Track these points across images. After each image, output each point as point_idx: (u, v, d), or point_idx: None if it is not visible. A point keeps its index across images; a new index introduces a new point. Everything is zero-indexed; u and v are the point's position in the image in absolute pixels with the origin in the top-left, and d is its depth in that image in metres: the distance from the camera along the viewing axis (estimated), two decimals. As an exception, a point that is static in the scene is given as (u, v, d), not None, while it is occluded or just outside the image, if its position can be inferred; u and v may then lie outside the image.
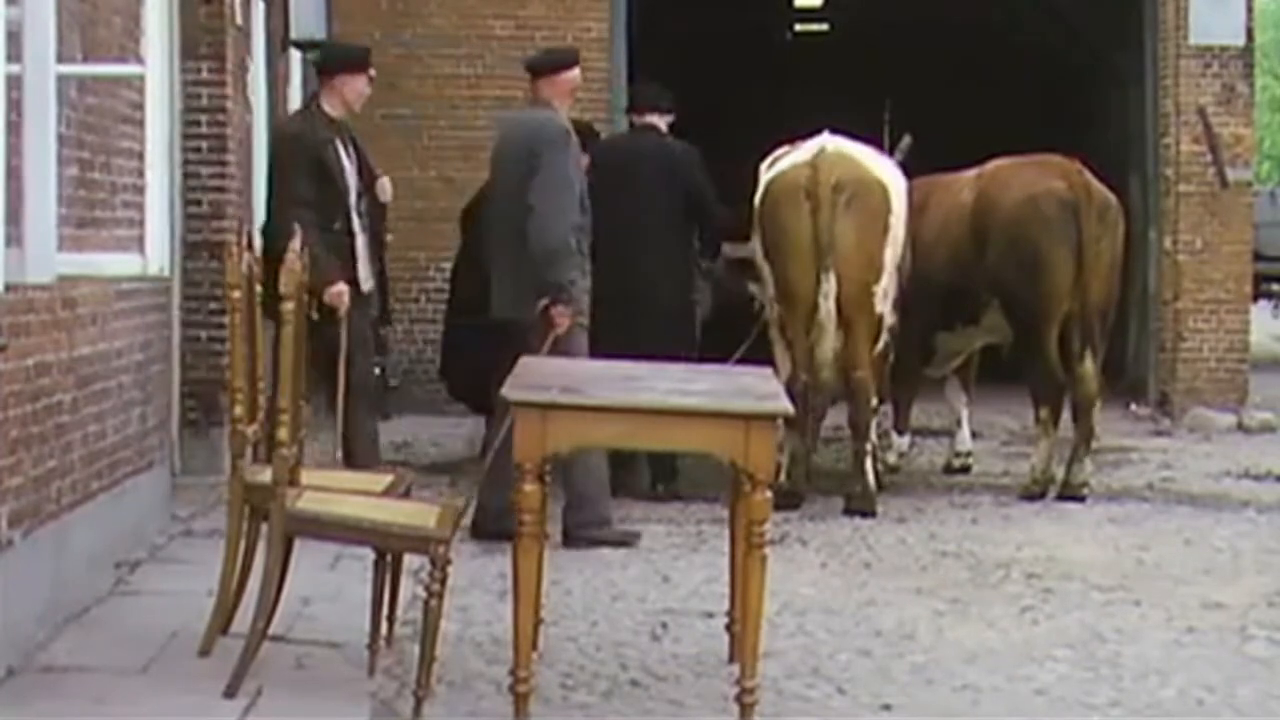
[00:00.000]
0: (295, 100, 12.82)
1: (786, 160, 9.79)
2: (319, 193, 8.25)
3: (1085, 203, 10.01)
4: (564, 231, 8.20)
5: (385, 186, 8.76)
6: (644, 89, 10.66)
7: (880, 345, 9.84)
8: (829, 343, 9.43)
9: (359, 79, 8.55)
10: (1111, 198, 10.28)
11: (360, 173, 8.57)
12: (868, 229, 9.50)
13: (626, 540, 8.46)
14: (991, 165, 10.60)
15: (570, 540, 8.32)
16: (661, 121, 10.08)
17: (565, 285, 8.15)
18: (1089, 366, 10.09)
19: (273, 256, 7.63)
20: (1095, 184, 10.18)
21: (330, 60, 8.72)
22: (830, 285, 9.37)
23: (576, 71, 8.73)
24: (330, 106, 8.51)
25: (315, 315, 7.64)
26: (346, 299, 8.13)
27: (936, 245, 10.33)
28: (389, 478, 6.44)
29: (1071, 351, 10.09)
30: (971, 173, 10.64)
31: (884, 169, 9.83)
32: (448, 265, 12.93)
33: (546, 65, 8.69)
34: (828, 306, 9.39)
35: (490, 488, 8.15)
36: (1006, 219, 10.12)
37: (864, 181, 9.55)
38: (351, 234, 8.41)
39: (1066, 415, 10.17)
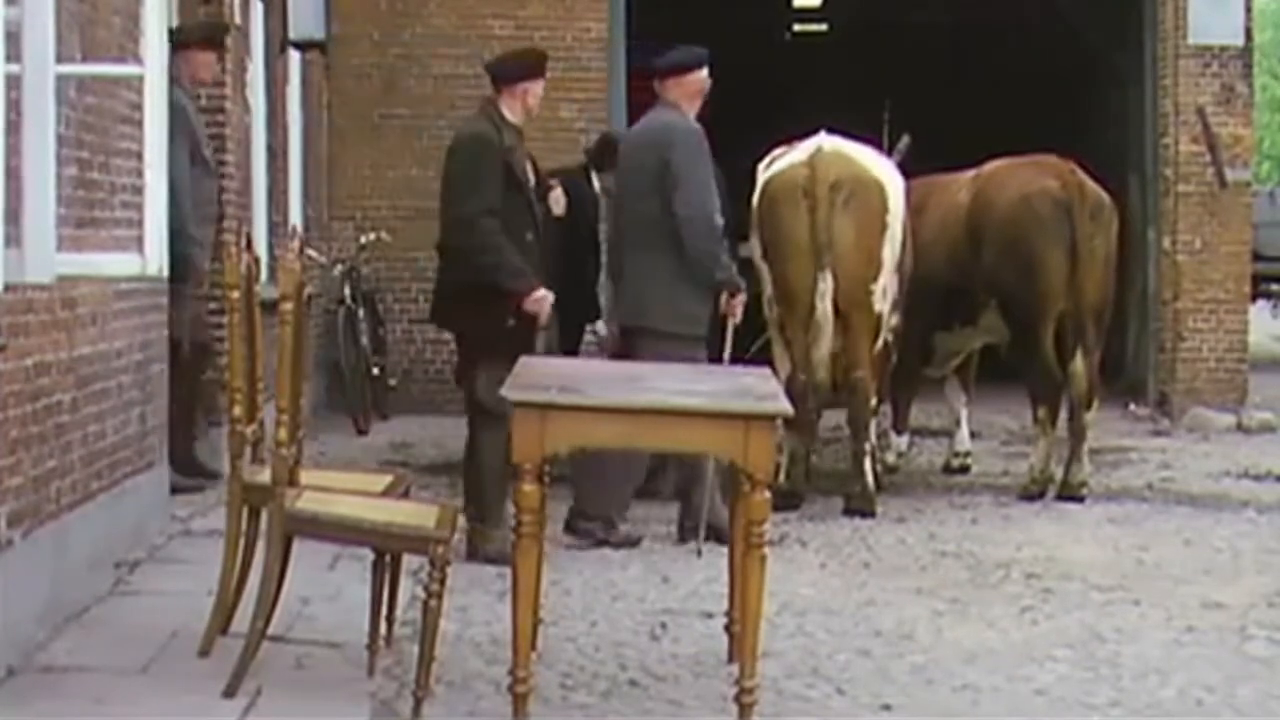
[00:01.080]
0: (295, 100, 12.83)
1: (784, 160, 9.79)
2: (507, 201, 7.96)
3: (1079, 202, 10.03)
4: (718, 231, 8.36)
5: (559, 199, 8.42)
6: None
7: (880, 344, 9.85)
8: (825, 343, 9.43)
9: (539, 83, 8.37)
10: (1105, 197, 10.29)
11: (536, 182, 8.32)
12: (865, 227, 9.50)
13: (629, 541, 8.43)
14: (988, 166, 10.62)
15: (570, 530, 8.32)
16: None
17: (735, 279, 8.45)
18: (1080, 365, 10.10)
19: (466, 270, 7.75)
20: (1089, 183, 10.19)
21: (512, 66, 8.49)
22: (827, 284, 9.37)
23: (705, 72, 8.64)
24: (511, 112, 8.23)
25: (512, 322, 7.79)
26: (548, 306, 7.98)
27: (934, 245, 10.35)
28: (388, 478, 6.45)
29: (1064, 350, 10.11)
30: (969, 173, 10.65)
31: (881, 168, 9.83)
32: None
33: (675, 66, 8.62)
34: (824, 306, 9.39)
35: (590, 492, 8.19)
36: (1001, 219, 10.14)
37: (861, 180, 9.55)
38: (540, 245, 8.15)
39: (1066, 415, 10.19)
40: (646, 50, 8.80)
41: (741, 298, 8.46)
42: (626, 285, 8.51)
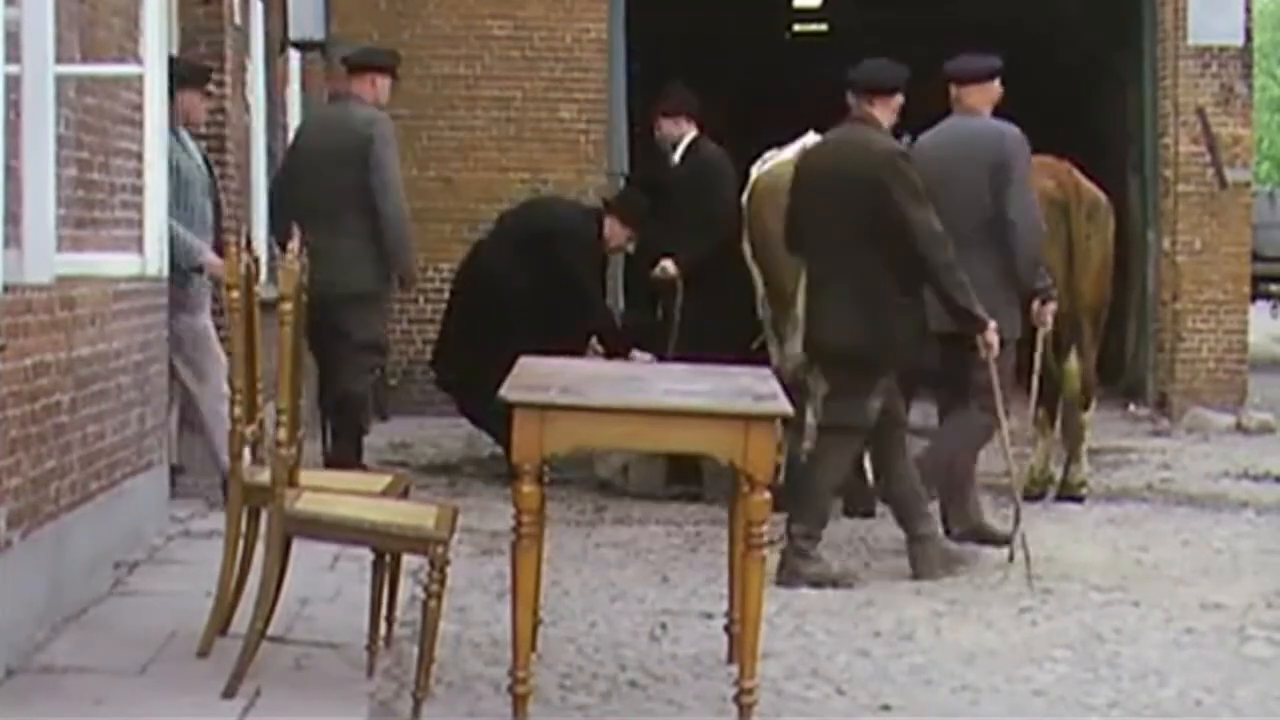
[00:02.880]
0: (294, 101, 12.81)
1: (773, 160, 9.81)
2: None
3: (1075, 202, 10.02)
4: (1042, 237, 8.53)
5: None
6: None
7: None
8: None
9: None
10: (1101, 196, 10.28)
11: None
12: None
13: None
14: None
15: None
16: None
17: (1049, 287, 8.69)
18: (1074, 365, 10.10)
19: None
20: (1085, 183, 10.18)
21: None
22: None
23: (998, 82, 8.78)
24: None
25: None
26: None
27: None
28: (388, 478, 6.45)
29: (1060, 350, 10.11)
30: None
31: None
32: (446, 266, 12.97)
33: (982, 72, 8.71)
34: None
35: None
36: None
37: None
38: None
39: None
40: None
41: (1052, 305, 8.64)
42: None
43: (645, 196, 10.63)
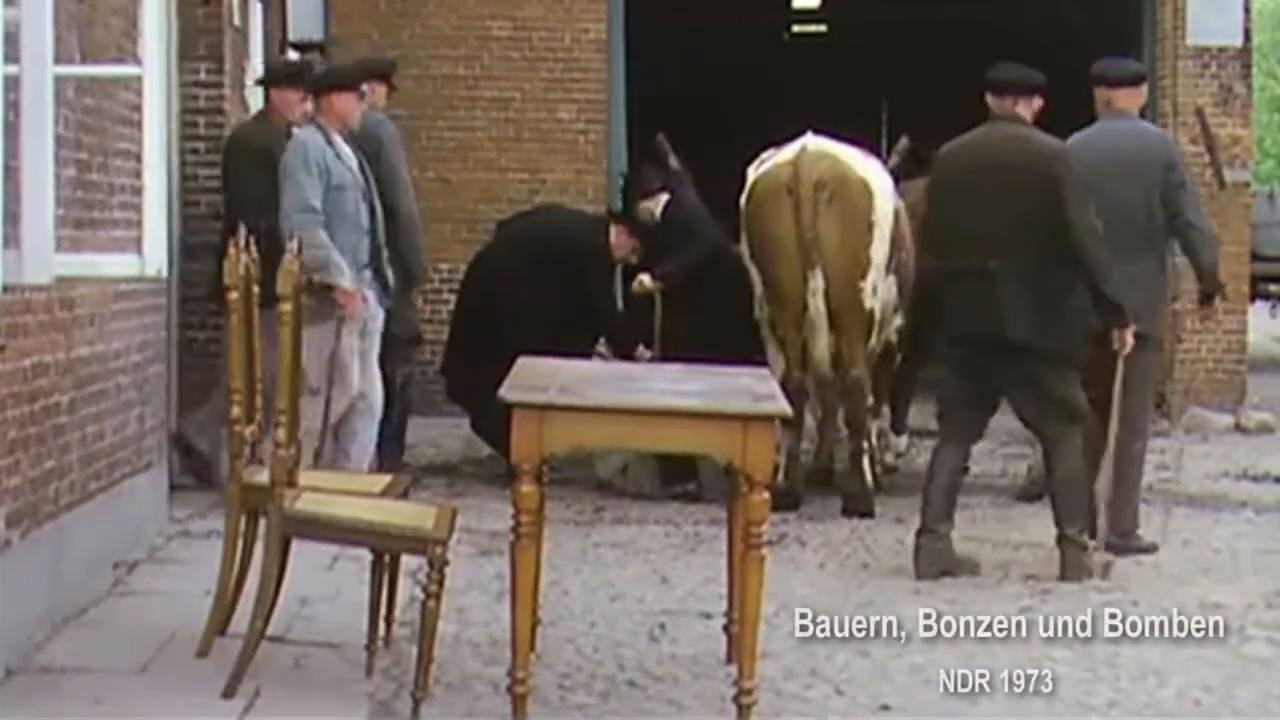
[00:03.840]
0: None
1: (770, 161, 9.83)
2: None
3: None
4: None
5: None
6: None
7: (880, 345, 9.84)
8: (823, 340, 9.44)
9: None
10: None
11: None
12: (850, 226, 9.53)
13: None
14: None
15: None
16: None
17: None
18: None
19: None
20: None
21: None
22: (818, 282, 9.41)
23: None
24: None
25: None
26: None
27: None
28: (387, 478, 6.45)
29: None
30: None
31: (867, 167, 9.83)
32: (445, 266, 12.98)
33: (1129, 77, 8.89)
34: (817, 304, 9.42)
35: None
36: None
37: (845, 179, 9.57)
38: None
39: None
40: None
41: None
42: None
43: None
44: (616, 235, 10.51)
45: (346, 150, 8.67)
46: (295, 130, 8.75)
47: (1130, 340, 7.97)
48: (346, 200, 8.56)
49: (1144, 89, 8.94)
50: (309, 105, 8.91)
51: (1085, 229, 7.71)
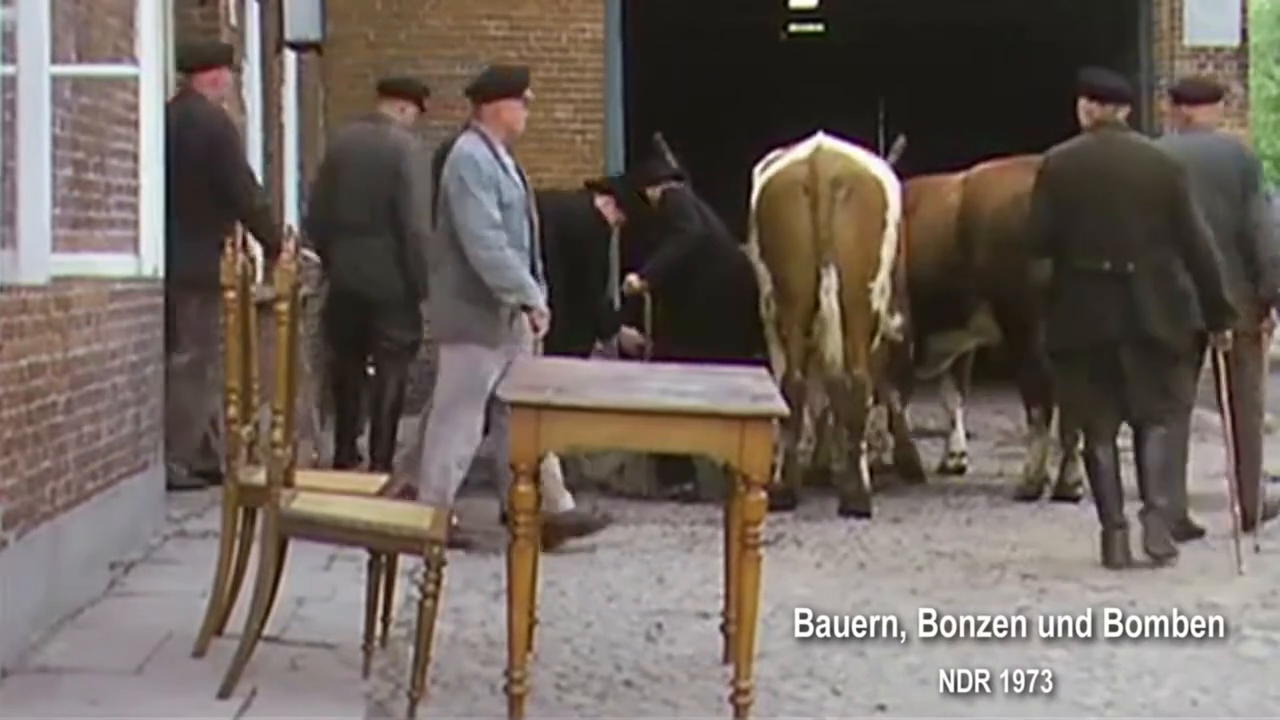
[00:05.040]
0: (291, 101, 12.80)
1: (783, 160, 9.82)
2: None
3: None
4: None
5: None
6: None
7: (880, 345, 9.85)
8: (836, 339, 9.43)
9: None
10: None
11: None
12: (866, 225, 9.54)
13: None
14: (978, 168, 10.65)
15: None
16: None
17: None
18: None
19: None
20: None
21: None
22: (831, 280, 9.40)
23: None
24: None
25: None
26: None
27: (925, 247, 10.35)
28: (384, 478, 6.45)
29: None
30: (958, 176, 10.68)
31: (880, 168, 9.86)
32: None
33: (1210, 95, 9.54)
34: (829, 302, 9.41)
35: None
36: (992, 220, 10.15)
37: (861, 177, 9.58)
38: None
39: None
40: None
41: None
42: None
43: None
44: (604, 207, 10.42)
45: (509, 162, 8.26)
46: (460, 138, 8.31)
47: (1230, 338, 8.49)
48: (513, 219, 8.15)
49: (1220, 105, 9.58)
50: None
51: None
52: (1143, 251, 8.15)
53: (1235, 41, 14.49)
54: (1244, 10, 14.52)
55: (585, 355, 10.17)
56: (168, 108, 9.25)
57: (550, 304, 8.21)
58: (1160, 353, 8.23)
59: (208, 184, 8.90)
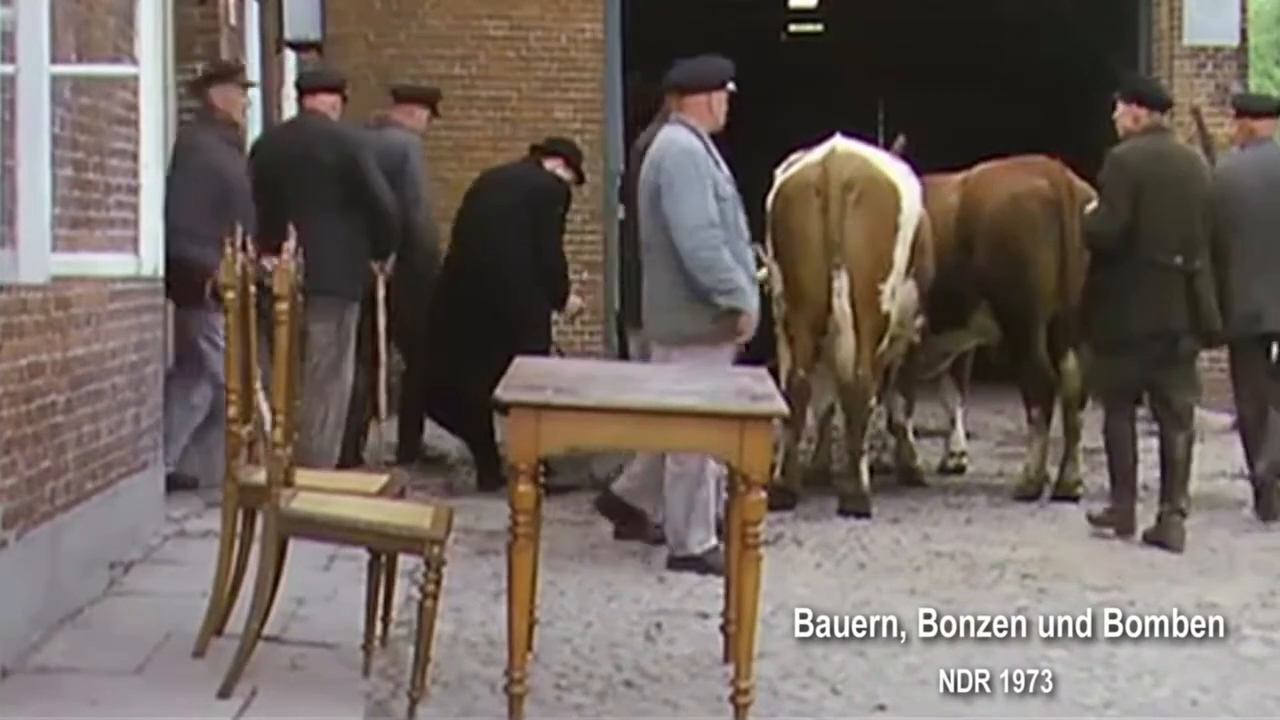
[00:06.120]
0: (290, 102, 12.80)
1: (800, 162, 9.84)
2: None
3: (1068, 201, 10.04)
4: None
5: None
6: None
7: (884, 348, 9.85)
8: (848, 340, 9.43)
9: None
10: (1095, 195, 10.30)
11: None
12: (877, 227, 9.53)
13: None
14: (977, 168, 10.66)
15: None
16: None
17: None
18: (1072, 364, 10.10)
19: None
20: (1078, 182, 10.20)
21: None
22: (843, 283, 9.40)
23: None
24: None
25: None
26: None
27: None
28: (384, 478, 6.45)
29: (1056, 349, 10.13)
30: (958, 176, 10.69)
31: (896, 170, 9.85)
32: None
33: (1269, 109, 10.05)
34: (842, 305, 9.40)
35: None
36: (991, 220, 10.16)
37: (874, 180, 9.58)
38: None
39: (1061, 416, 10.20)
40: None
41: None
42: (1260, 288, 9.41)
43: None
44: (556, 169, 10.31)
45: (717, 154, 7.99)
46: (667, 130, 7.99)
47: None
48: (728, 211, 7.86)
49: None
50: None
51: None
52: (1200, 250, 8.76)
53: (1235, 41, 14.50)
54: (1244, 10, 14.52)
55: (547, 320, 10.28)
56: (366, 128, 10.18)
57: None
58: (1208, 346, 8.94)
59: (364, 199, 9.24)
